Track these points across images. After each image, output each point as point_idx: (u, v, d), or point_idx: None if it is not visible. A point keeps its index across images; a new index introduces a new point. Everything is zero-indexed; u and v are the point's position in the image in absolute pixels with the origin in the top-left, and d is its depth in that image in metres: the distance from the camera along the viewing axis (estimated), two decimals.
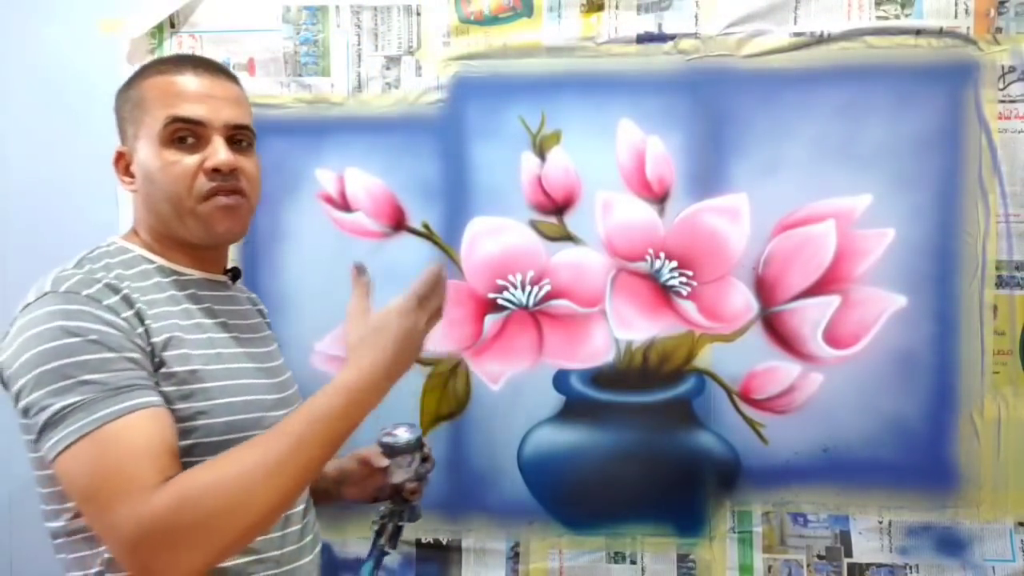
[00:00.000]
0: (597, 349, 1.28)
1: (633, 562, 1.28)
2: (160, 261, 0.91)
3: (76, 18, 1.32)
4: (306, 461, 0.79)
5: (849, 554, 1.26)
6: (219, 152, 0.88)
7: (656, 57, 1.25)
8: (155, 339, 0.82)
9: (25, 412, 0.78)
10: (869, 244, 1.23)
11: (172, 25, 1.30)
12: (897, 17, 1.22)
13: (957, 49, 1.21)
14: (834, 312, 1.24)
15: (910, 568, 1.25)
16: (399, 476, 1.00)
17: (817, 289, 1.24)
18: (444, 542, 1.31)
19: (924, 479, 1.24)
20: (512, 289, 1.28)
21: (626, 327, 1.27)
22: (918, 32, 1.21)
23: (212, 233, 0.90)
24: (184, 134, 0.88)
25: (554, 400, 1.28)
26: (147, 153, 0.89)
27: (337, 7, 1.29)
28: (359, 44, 1.29)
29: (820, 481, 1.25)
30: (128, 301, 0.82)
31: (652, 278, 1.27)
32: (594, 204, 1.27)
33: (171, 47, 1.30)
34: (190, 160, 0.88)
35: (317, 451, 0.79)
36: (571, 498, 1.29)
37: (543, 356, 1.28)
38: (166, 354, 0.83)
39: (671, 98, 1.25)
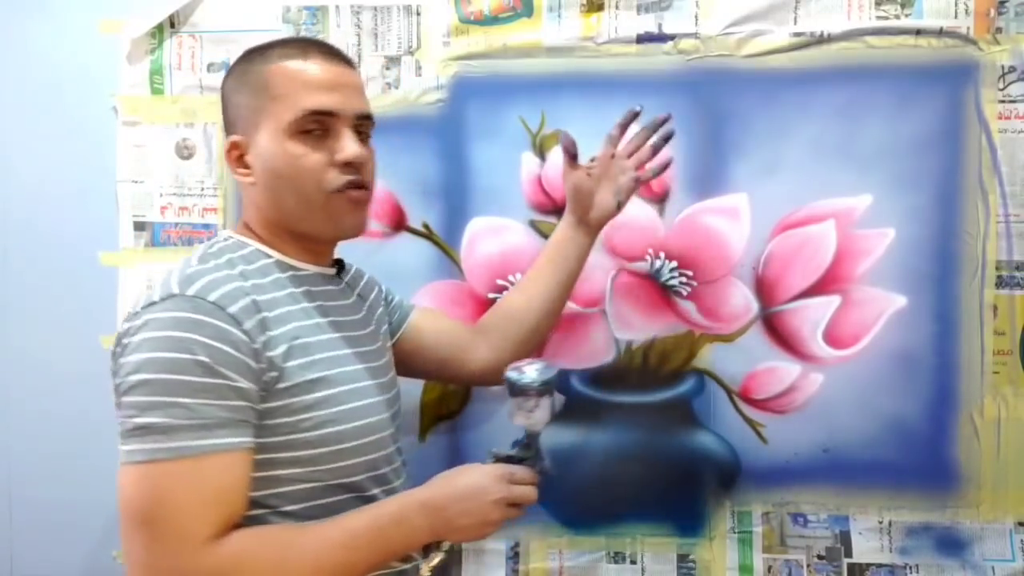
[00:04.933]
0: (597, 349, 1.28)
1: (633, 562, 1.28)
2: (276, 255, 0.89)
3: (76, 18, 1.32)
4: (354, 561, 0.80)
5: (849, 554, 1.26)
6: (350, 145, 0.87)
7: (656, 57, 1.25)
8: (275, 351, 0.80)
9: (118, 407, 0.77)
10: (869, 244, 1.23)
11: (172, 25, 1.30)
12: (897, 17, 1.22)
13: (957, 49, 1.21)
14: (834, 312, 1.24)
15: (910, 568, 1.25)
16: (519, 420, 0.90)
17: (817, 289, 1.24)
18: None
19: (924, 479, 1.24)
20: None
21: (626, 327, 1.27)
22: (918, 32, 1.21)
23: (340, 228, 0.89)
24: (313, 127, 0.85)
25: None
26: (271, 145, 0.86)
27: (337, 7, 1.29)
28: (359, 44, 1.29)
29: (820, 481, 1.25)
30: (255, 306, 0.80)
31: (652, 278, 1.27)
32: None
33: (171, 47, 1.30)
34: (318, 153, 0.86)
35: (367, 555, 0.81)
36: (571, 498, 1.29)
37: (543, 356, 1.28)
38: (288, 365, 0.81)
39: (671, 98, 1.25)
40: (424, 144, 1.28)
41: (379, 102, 1.29)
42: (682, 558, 1.28)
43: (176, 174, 1.31)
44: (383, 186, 1.29)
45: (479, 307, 1.29)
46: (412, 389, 1.29)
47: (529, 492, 0.89)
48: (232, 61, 0.92)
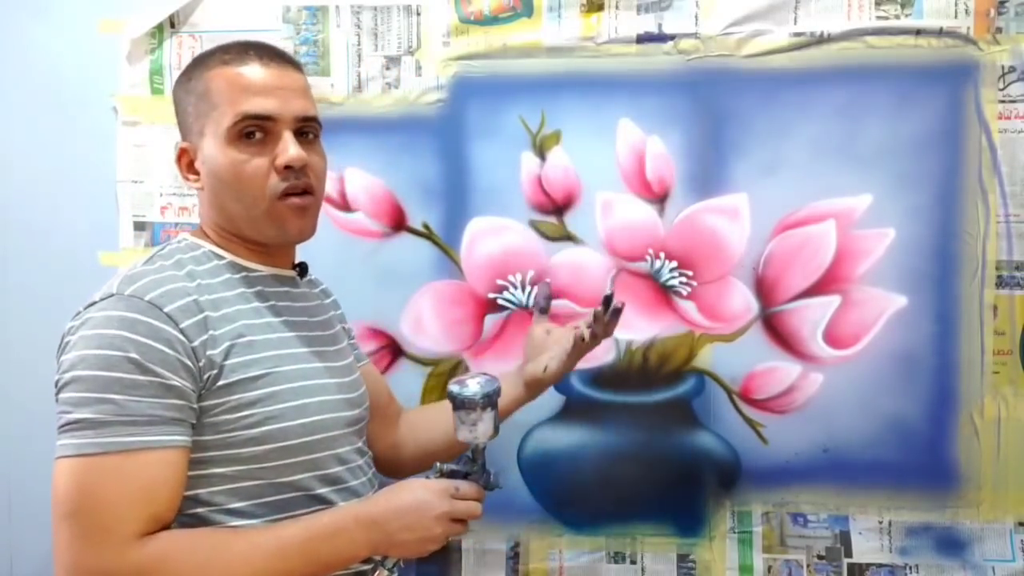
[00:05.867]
0: (597, 349, 1.27)
1: (633, 562, 1.28)
2: (229, 257, 0.89)
3: (76, 18, 1.32)
4: (285, 570, 0.80)
5: (849, 554, 1.26)
6: (289, 148, 0.85)
7: (656, 57, 1.25)
8: (215, 349, 0.80)
9: (56, 403, 0.78)
10: (869, 244, 1.23)
11: (172, 25, 1.30)
12: (897, 17, 1.22)
13: (957, 49, 1.21)
14: (834, 312, 1.24)
15: (910, 568, 1.25)
16: (462, 434, 0.89)
17: (817, 289, 1.24)
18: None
19: (924, 479, 1.24)
20: (512, 289, 1.28)
21: (626, 327, 1.27)
22: (918, 32, 1.21)
23: (285, 234, 0.89)
24: (252, 130, 0.85)
25: (554, 400, 1.28)
26: (214, 151, 0.85)
27: (337, 7, 1.29)
28: (359, 44, 1.29)
29: (820, 481, 1.25)
30: (197, 306, 0.80)
31: (652, 278, 1.27)
32: (594, 204, 1.27)
33: (171, 47, 1.30)
34: (260, 159, 0.85)
35: (297, 565, 0.80)
36: (571, 498, 1.29)
37: None
38: (228, 363, 0.81)
39: (671, 98, 1.25)
40: (424, 144, 1.28)
41: (379, 102, 1.29)
42: (682, 558, 1.28)
43: (176, 174, 1.30)
44: (383, 186, 1.29)
45: (479, 307, 1.29)
46: (413, 389, 1.30)
47: (473, 507, 0.88)
48: None
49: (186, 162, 0.89)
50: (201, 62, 0.90)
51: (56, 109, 1.34)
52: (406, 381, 1.30)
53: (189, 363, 0.78)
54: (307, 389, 0.86)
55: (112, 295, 0.79)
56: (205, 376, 0.79)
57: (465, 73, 1.27)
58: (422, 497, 0.85)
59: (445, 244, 1.29)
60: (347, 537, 0.82)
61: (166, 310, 0.78)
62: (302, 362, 0.88)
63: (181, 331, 0.78)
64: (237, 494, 0.82)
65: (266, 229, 0.88)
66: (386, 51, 1.29)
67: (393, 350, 1.30)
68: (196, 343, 0.79)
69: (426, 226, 1.29)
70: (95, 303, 0.80)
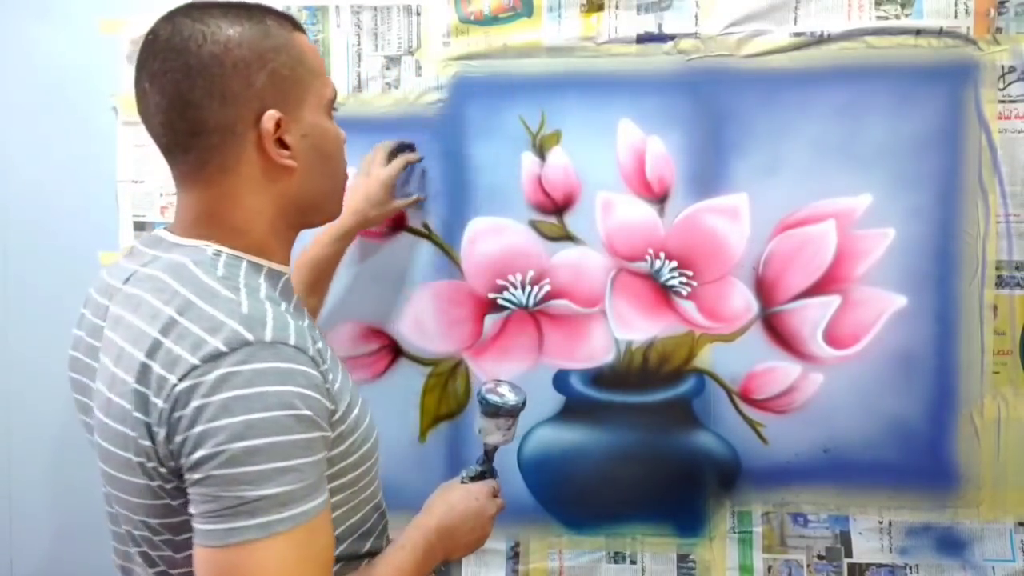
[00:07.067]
0: (597, 349, 1.28)
1: (633, 562, 1.28)
2: (267, 264, 0.77)
3: (76, 18, 1.32)
4: None
5: (849, 554, 1.26)
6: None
7: (656, 57, 1.25)
8: (327, 382, 0.71)
9: (202, 483, 0.64)
10: (869, 244, 1.23)
11: None
12: (897, 17, 1.22)
13: (957, 49, 1.21)
14: (834, 312, 1.24)
15: (910, 568, 1.25)
16: (495, 439, 0.96)
17: (817, 289, 1.24)
18: None
19: (924, 479, 1.24)
20: (512, 289, 1.28)
21: (626, 327, 1.28)
22: (918, 32, 1.21)
23: (340, 211, 0.86)
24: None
25: (554, 400, 1.28)
26: (320, 122, 0.77)
27: (337, 7, 1.29)
28: (359, 44, 1.29)
29: (820, 481, 1.25)
30: (313, 339, 0.71)
31: (652, 278, 1.27)
32: (594, 204, 1.27)
33: None
34: None
35: None
36: (571, 498, 1.29)
37: (543, 356, 1.28)
38: (333, 391, 0.72)
39: (671, 98, 1.25)
40: (424, 144, 1.28)
41: (379, 102, 1.29)
42: (682, 558, 1.28)
43: None
44: None
45: (479, 307, 1.29)
46: (413, 389, 1.30)
47: (503, 502, 0.98)
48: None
49: (274, 134, 0.74)
50: (269, 20, 0.75)
51: (56, 109, 1.34)
52: (406, 381, 1.30)
53: (329, 406, 0.70)
54: (364, 401, 0.81)
55: (249, 343, 0.65)
56: (329, 412, 0.71)
57: (465, 73, 1.28)
58: (480, 501, 0.92)
59: (445, 244, 1.29)
60: (433, 551, 0.85)
61: (310, 353, 0.69)
62: (342, 371, 0.81)
63: (322, 373, 0.69)
64: (334, 524, 0.76)
65: (338, 206, 0.84)
66: (386, 51, 1.29)
67: (393, 350, 1.30)
68: (327, 384, 0.70)
69: (426, 226, 1.29)
70: (224, 354, 0.65)
